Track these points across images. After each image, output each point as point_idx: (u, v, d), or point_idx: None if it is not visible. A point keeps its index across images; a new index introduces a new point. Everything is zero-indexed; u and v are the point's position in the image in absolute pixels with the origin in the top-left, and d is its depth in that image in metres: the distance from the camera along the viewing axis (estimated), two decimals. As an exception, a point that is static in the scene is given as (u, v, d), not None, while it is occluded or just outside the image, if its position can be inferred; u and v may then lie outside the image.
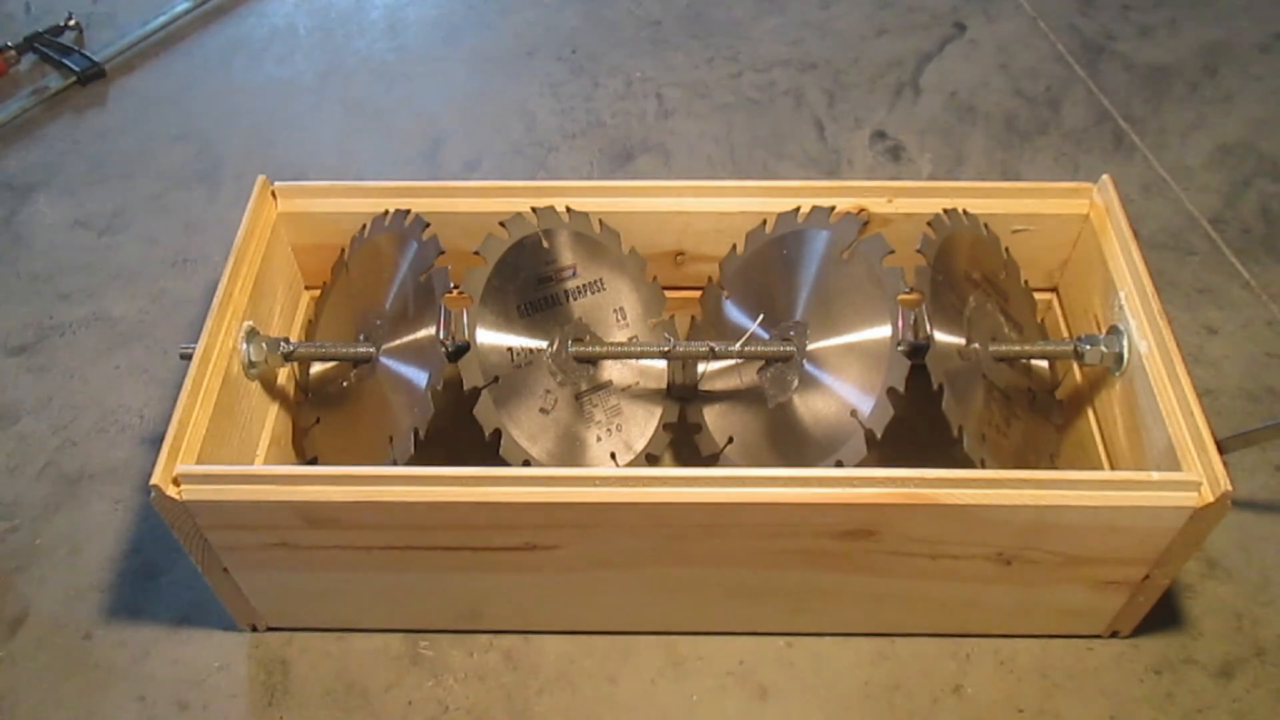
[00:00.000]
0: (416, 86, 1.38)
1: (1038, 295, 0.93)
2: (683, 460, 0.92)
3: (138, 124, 1.33)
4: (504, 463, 0.77)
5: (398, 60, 1.43)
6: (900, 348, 0.77)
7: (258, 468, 0.81)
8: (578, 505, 0.70)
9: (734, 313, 0.90)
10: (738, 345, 0.82)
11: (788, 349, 0.83)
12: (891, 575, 0.76)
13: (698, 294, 0.94)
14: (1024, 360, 0.87)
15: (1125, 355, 0.80)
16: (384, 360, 0.83)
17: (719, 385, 0.89)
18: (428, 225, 0.84)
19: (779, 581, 0.78)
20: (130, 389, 1.02)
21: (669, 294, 0.92)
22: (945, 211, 0.84)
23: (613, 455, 0.84)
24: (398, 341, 0.82)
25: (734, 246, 0.91)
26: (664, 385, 0.89)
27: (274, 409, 0.87)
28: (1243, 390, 1.00)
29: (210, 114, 1.34)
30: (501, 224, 0.82)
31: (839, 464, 0.76)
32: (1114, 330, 0.82)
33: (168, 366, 1.04)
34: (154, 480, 0.69)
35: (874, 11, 1.47)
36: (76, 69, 1.37)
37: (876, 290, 0.79)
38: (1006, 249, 0.89)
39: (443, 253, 0.81)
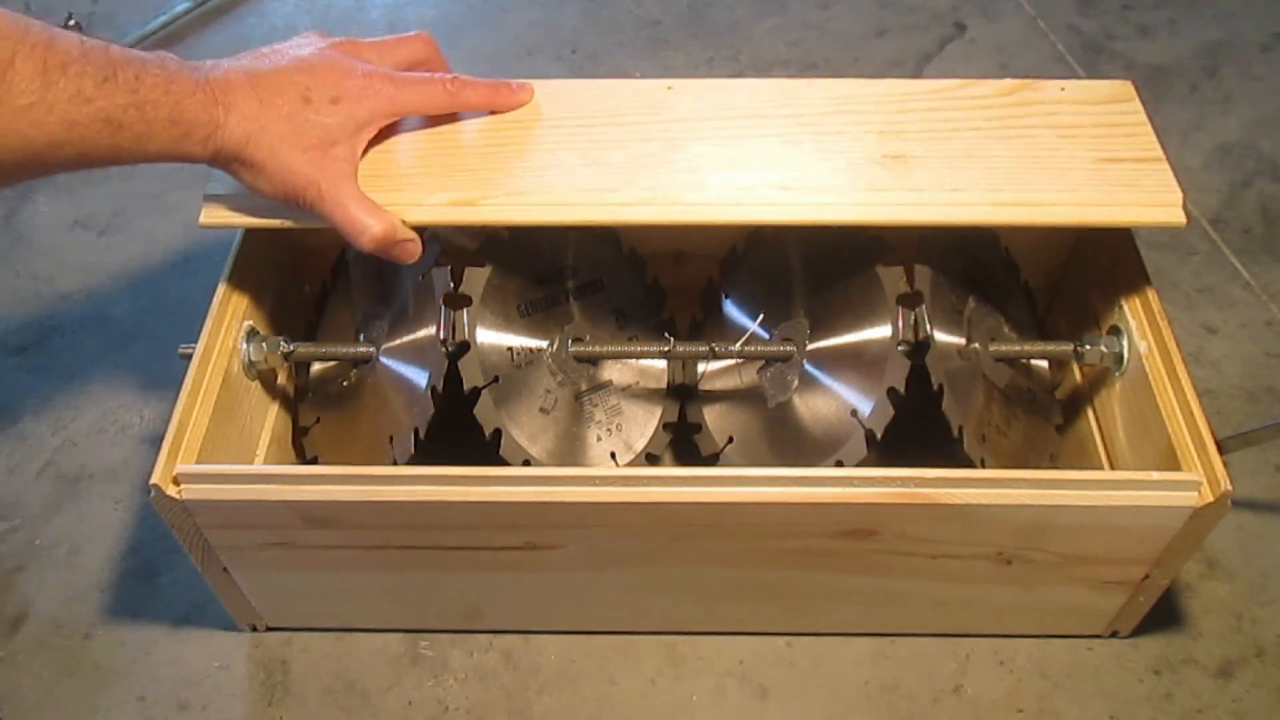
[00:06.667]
0: (416, 86, 1.38)
1: (1038, 295, 0.93)
2: (683, 460, 0.92)
3: (138, 124, 1.33)
4: (504, 463, 0.77)
5: (398, 60, 1.42)
6: (900, 348, 0.77)
7: (258, 467, 0.81)
8: (578, 505, 0.70)
9: (734, 313, 0.90)
10: (738, 345, 0.82)
11: (788, 349, 0.83)
12: (891, 575, 0.76)
13: (698, 294, 0.94)
14: (1024, 360, 0.87)
15: (1125, 355, 0.80)
16: (384, 360, 0.82)
17: (719, 385, 0.89)
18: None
19: (779, 581, 0.78)
20: (130, 389, 1.02)
21: (669, 294, 0.92)
22: (945, 211, 0.84)
23: (613, 455, 0.84)
24: (398, 341, 0.82)
25: (734, 246, 0.91)
26: (664, 385, 0.89)
27: (274, 409, 0.87)
28: (1243, 390, 1.00)
29: (210, 114, 1.34)
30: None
31: (839, 464, 0.76)
32: (1114, 330, 0.82)
33: (168, 366, 1.03)
34: (154, 480, 0.69)
35: (874, 11, 1.47)
36: (76, 69, 1.37)
37: (876, 290, 0.79)
38: (1006, 249, 0.89)
39: (443, 253, 0.81)
